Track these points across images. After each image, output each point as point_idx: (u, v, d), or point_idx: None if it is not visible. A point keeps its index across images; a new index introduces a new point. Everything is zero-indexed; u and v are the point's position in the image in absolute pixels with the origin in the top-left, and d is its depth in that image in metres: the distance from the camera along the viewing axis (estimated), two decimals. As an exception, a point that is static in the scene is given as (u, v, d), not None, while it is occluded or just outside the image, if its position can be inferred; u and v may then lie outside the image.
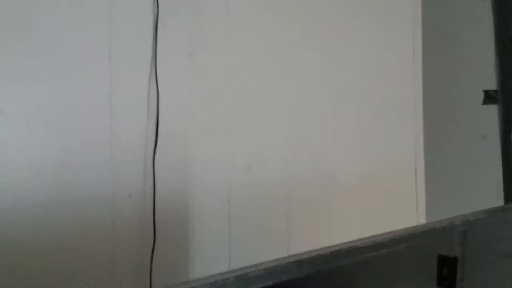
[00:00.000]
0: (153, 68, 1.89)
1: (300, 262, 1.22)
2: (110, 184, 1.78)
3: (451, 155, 3.76)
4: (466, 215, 1.80)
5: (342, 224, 2.48)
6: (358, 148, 2.61)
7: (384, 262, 1.48)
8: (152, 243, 1.85)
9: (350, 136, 2.58)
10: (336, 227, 2.47)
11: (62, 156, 1.70)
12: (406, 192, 2.86)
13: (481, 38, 3.71)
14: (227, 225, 2.10)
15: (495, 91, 3.71)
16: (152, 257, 1.85)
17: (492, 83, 3.71)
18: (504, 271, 1.94)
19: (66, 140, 1.71)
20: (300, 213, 2.35)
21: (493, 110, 3.72)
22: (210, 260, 2.02)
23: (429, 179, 3.16)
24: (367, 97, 2.67)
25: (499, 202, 3.54)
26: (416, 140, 2.91)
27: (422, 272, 1.62)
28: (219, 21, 2.09)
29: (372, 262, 1.43)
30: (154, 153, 1.88)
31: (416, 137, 2.91)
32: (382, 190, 2.71)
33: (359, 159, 2.62)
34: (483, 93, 3.71)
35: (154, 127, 1.88)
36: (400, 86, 2.86)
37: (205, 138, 2.04)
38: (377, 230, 1.37)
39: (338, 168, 2.51)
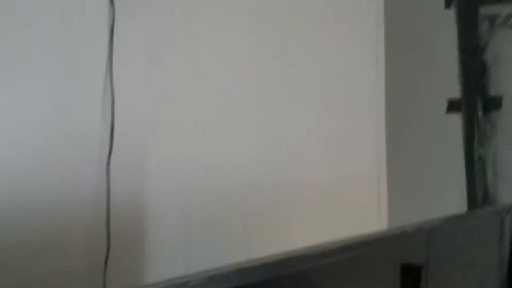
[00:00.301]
0: (109, 71, 1.87)
1: (254, 268, 1.21)
2: (61, 188, 1.75)
3: (414, 162, 3.77)
4: (430, 220, 1.81)
5: (302, 230, 2.48)
6: (318, 154, 2.62)
7: (343, 268, 1.47)
8: (106, 247, 1.83)
9: (310, 142, 2.58)
10: (296, 233, 2.46)
11: (13, 160, 1.67)
12: (368, 199, 2.86)
13: (445, 46, 3.74)
14: (184, 230, 2.08)
15: (458, 100, 3.73)
16: (106, 261, 1.83)
17: (456, 92, 3.74)
18: (467, 279, 1.95)
19: (17, 142, 1.68)
20: (259, 218, 2.34)
21: (456, 119, 3.75)
22: (166, 265, 2.00)
23: (391, 186, 3.16)
24: (328, 103, 2.68)
25: (463, 209, 3.57)
26: (378, 147, 2.92)
27: (384, 279, 1.62)
28: (177, 23, 2.08)
29: (331, 268, 1.42)
30: (109, 157, 1.86)
31: (378, 144, 2.92)
32: (343, 196, 2.72)
33: (319, 165, 2.62)
34: (446, 102, 3.73)
35: (109, 130, 1.86)
36: (362, 92, 2.87)
37: (162, 142, 2.03)
38: (338, 236, 1.36)
39: (298, 174, 2.51)
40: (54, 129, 1.77)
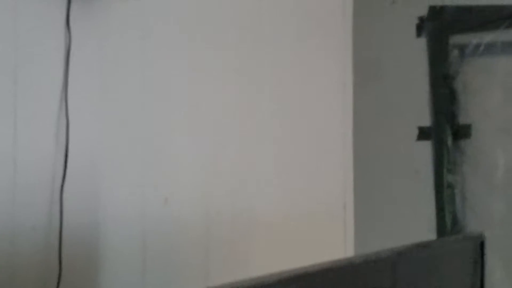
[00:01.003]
0: (63, 99, 1.86)
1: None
2: (13, 213, 1.73)
3: (383, 190, 3.77)
4: (396, 248, 1.80)
5: (265, 261, 2.45)
6: (281, 182, 2.61)
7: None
8: (57, 278, 1.81)
9: (271, 170, 2.57)
10: (258, 263, 2.44)
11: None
12: (334, 229, 2.85)
13: (416, 74, 3.75)
14: (141, 259, 2.06)
15: (428, 127, 3.74)
16: (57, 289, 1.80)
17: (426, 120, 3.75)
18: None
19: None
20: (219, 248, 2.32)
21: (426, 146, 3.75)
22: (120, 294, 1.98)
23: (358, 215, 3.16)
24: (291, 130, 2.67)
25: (432, 237, 3.56)
26: (345, 174, 2.92)
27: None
28: (132, 52, 2.07)
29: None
30: (62, 184, 1.84)
31: (345, 172, 2.92)
32: (309, 226, 2.71)
33: (282, 193, 2.61)
34: (417, 129, 3.74)
35: (63, 158, 1.85)
36: (329, 120, 2.87)
37: (119, 171, 2.02)
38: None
39: (259, 202, 2.50)
40: (7, 153, 1.75)
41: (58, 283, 1.82)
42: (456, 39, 3.67)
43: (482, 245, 1.92)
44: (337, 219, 2.87)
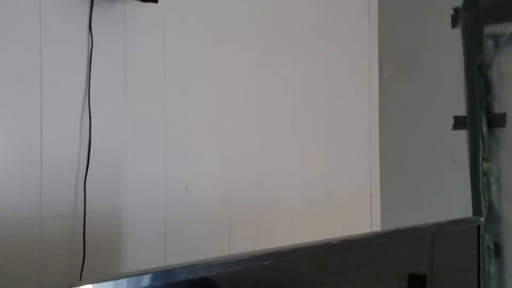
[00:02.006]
0: (87, 97, 2.03)
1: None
2: (38, 204, 1.91)
3: (418, 179, 3.84)
4: (395, 228, 1.93)
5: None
6: (304, 170, 2.72)
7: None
8: (81, 262, 1.98)
9: (294, 158, 2.69)
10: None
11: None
12: (360, 217, 2.95)
13: (451, 64, 3.81)
14: (163, 246, 2.22)
15: (464, 116, 3.79)
16: (81, 277, 1.97)
17: (461, 109, 3.80)
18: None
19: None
20: (241, 234, 2.46)
21: (462, 135, 3.81)
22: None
23: (388, 204, 3.24)
24: (315, 120, 2.78)
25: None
26: (371, 164, 3.01)
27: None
28: (153, 53, 2.22)
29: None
30: (86, 174, 2.01)
31: (371, 161, 3.01)
32: (332, 213, 2.81)
33: (305, 181, 2.72)
34: (453, 119, 3.80)
35: (86, 150, 2.02)
36: (353, 111, 2.97)
37: (140, 162, 2.17)
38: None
39: (282, 191, 2.62)
40: (34, 147, 1.93)
41: (82, 266, 1.99)
42: (491, 29, 3.71)
43: (479, 229, 2.01)
44: (363, 208, 2.97)
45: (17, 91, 1.90)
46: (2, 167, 1.87)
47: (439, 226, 2.00)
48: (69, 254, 1.99)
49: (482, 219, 2.06)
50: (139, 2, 2.09)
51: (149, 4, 2.10)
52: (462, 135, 3.79)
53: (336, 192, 2.85)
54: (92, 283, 1.10)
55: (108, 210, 2.10)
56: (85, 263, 1.99)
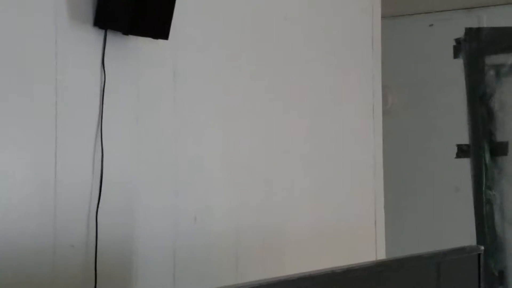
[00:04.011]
0: (99, 130, 2.10)
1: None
2: (52, 235, 1.97)
3: (422, 206, 3.90)
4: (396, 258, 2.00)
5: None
6: (311, 199, 2.78)
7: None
8: (93, 288, 2.04)
9: (302, 188, 2.75)
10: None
11: (5, 206, 1.90)
12: (365, 244, 3.00)
13: (454, 94, 3.88)
14: (172, 274, 2.27)
15: (467, 145, 3.86)
16: (93, 303, 2.03)
17: (464, 138, 3.87)
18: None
19: (10, 191, 1.91)
20: (249, 263, 2.51)
21: (465, 163, 3.87)
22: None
23: (392, 231, 3.30)
24: (322, 150, 2.85)
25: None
26: (376, 192, 3.07)
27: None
28: (164, 88, 2.29)
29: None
30: (98, 206, 2.07)
31: (375, 189, 3.07)
32: (338, 242, 2.87)
33: (312, 210, 2.78)
34: (456, 147, 3.86)
35: (98, 183, 2.08)
36: (358, 141, 3.03)
37: (150, 193, 2.24)
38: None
39: (289, 220, 2.68)
40: (48, 179, 1.99)
41: (94, 296, 2.04)
42: (492, 59, 3.79)
43: (479, 257, 2.07)
44: (368, 236, 3.02)
45: (32, 124, 1.97)
46: (18, 199, 1.93)
47: (441, 254, 2.06)
48: (82, 284, 2.04)
49: (482, 248, 2.12)
50: (150, 38, 2.15)
51: (160, 40, 2.17)
52: (466, 163, 3.86)
53: (342, 220, 2.91)
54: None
55: (119, 240, 2.15)
56: (96, 293, 2.04)
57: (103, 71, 2.13)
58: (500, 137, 3.80)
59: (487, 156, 3.79)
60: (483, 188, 3.80)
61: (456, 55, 3.88)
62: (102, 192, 2.09)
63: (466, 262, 2.07)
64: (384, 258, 2.86)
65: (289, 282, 1.58)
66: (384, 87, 3.23)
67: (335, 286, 1.72)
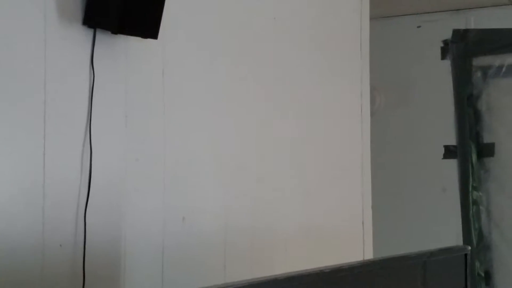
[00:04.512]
0: (88, 129, 2.09)
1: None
2: (40, 234, 1.97)
3: (408, 207, 3.92)
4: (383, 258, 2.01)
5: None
6: (299, 200, 2.79)
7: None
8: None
9: (291, 189, 2.76)
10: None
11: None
12: (353, 244, 3.01)
13: (441, 95, 3.90)
14: (160, 273, 2.27)
15: (454, 146, 3.88)
16: (81, 303, 2.02)
17: (451, 139, 3.89)
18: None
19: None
20: (237, 263, 2.52)
21: (452, 164, 3.89)
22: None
23: (379, 231, 3.31)
24: (311, 150, 2.86)
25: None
26: (363, 193, 3.08)
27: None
28: (153, 86, 2.29)
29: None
30: (86, 205, 2.07)
31: (363, 190, 3.08)
32: (326, 242, 2.87)
33: (300, 210, 2.79)
34: (443, 148, 3.88)
35: (87, 182, 2.08)
36: (346, 142, 3.04)
37: (139, 193, 2.23)
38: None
39: (278, 220, 2.68)
40: (37, 179, 1.98)
41: (83, 295, 2.04)
42: (479, 61, 3.81)
43: (466, 257, 2.08)
44: (356, 236, 3.03)
45: (21, 123, 1.96)
46: (6, 198, 1.93)
47: (428, 254, 2.06)
48: (70, 283, 2.04)
49: (469, 248, 2.13)
50: (140, 38, 2.15)
51: (149, 40, 2.16)
52: (453, 164, 3.88)
53: (330, 220, 2.92)
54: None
55: (108, 239, 2.15)
56: (85, 292, 2.04)
57: (92, 70, 2.12)
58: (487, 138, 3.82)
59: (474, 157, 3.81)
60: (470, 189, 3.82)
61: (443, 56, 3.90)
62: (90, 192, 2.09)
63: (453, 262, 2.08)
64: (371, 258, 2.87)
65: (277, 281, 1.59)
66: (372, 88, 3.24)
67: (323, 286, 1.73)
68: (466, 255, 2.09)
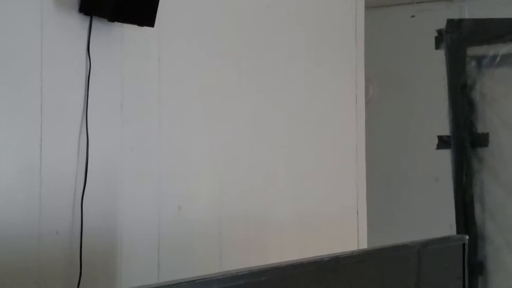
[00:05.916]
0: (84, 117, 2.09)
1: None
2: (37, 222, 1.97)
3: (402, 196, 3.93)
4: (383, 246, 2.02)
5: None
6: (293, 188, 2.79)
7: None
8: (78, 277, 2.03)
9: (284, 177, 2.76)
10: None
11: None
12: (347, 233, 3.02)
13: (435, 85, 3.90)
14: (157, 261, 2.27)
15: (448, 136, 3.89)
16: (78, 288, 2.03)
17: (445, 129, 3.90)
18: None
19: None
20: (232, 251, 2.52)
21: (446, 154, 3.90)
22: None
23: (374, 220, 3.32)
24: (305, 139, 2.86)
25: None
26: (358, 182, 3.09)
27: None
28: (149, 74, 2.29)
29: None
30: (83, 193, 2.07)
31: (357, 179, 3.09)
32: (321, 229, 2.88)
33: (295, 198, 2.79)
34: (437, 138, 3.89)
35: (83, 170, 2.08)
36: (341, 131, 3.04)
37: (135, 181, 2.23)
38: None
39: (273, 208, 2.69)
40: (34, 166, 1.98)
41: (79, 282, 2.04)
42: (474, 50, 3.82)
43: (464, 247, 2.09)
44: (350, 225, 3.04)
45: (17, 111, 1.96)
46: (3, 185, 1.93)
47: (425, 244, 2.07)
48: (67, 271, 2.04)
49: (467, 237, 2.14)
50: (136, 26, 2.15)
51: (145, 27, 2.16)
52: (446, 154, 3.89)
53: (324, 210, 2.92)
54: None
55: (105, 227, 2.15)
56: (81, 279, 2.04)
57: (88, 58, 2.12)
58: (481, 129, 3.83)
59: (468, 147, 3.81)
60: (464, 179, 3.83)
61: (437, 46, 3.90)
62: (87, 179, 2.09)
63: (450, 252, 2.09)
64: (369, 247, 2.88)
65: (272, 270, 1.59)
66: (366, 78, 3.24)
67: (318, 275, 1.74)
68: (464, 244, 2.10)
